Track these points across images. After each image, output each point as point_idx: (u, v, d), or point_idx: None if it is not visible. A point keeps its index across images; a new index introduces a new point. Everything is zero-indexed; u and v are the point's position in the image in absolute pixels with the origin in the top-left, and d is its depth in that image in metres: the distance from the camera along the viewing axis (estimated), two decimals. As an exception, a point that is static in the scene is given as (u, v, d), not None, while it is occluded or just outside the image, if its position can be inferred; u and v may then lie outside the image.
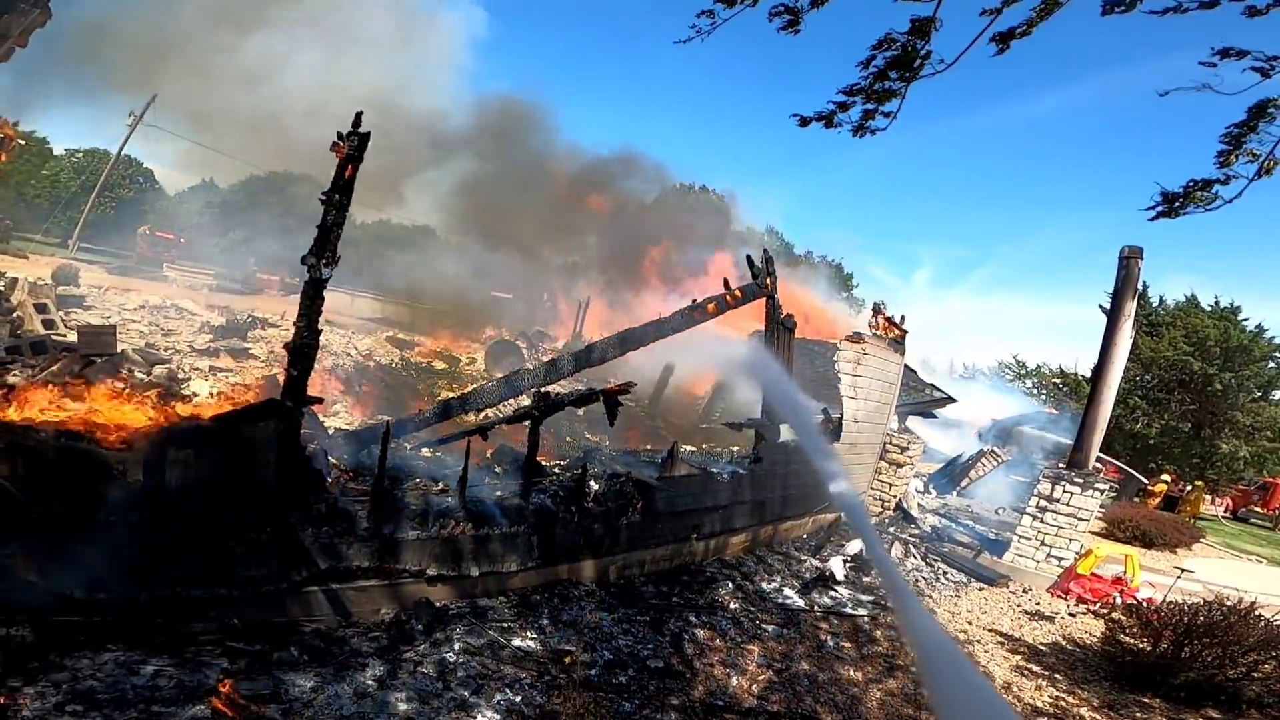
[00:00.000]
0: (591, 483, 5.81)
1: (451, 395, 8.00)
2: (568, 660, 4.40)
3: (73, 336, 6.87)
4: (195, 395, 6.65)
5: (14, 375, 5.76)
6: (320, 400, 4.24)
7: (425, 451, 6.17)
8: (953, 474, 15.49)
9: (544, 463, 6.55)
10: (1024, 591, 8.14)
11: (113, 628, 3.43)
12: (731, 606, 5.95)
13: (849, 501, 7.71)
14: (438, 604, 4.61)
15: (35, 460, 3.17)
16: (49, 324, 8.01)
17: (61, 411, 4.93)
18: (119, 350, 6.81)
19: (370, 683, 3.71)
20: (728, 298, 6.75)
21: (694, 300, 6.69)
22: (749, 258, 7.26)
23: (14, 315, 7.44)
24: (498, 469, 6.37)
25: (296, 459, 3.95)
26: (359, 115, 3.99)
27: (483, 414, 7.35)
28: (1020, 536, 8.87)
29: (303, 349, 3.99)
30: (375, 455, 4.85)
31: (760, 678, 4.83)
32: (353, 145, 3.94)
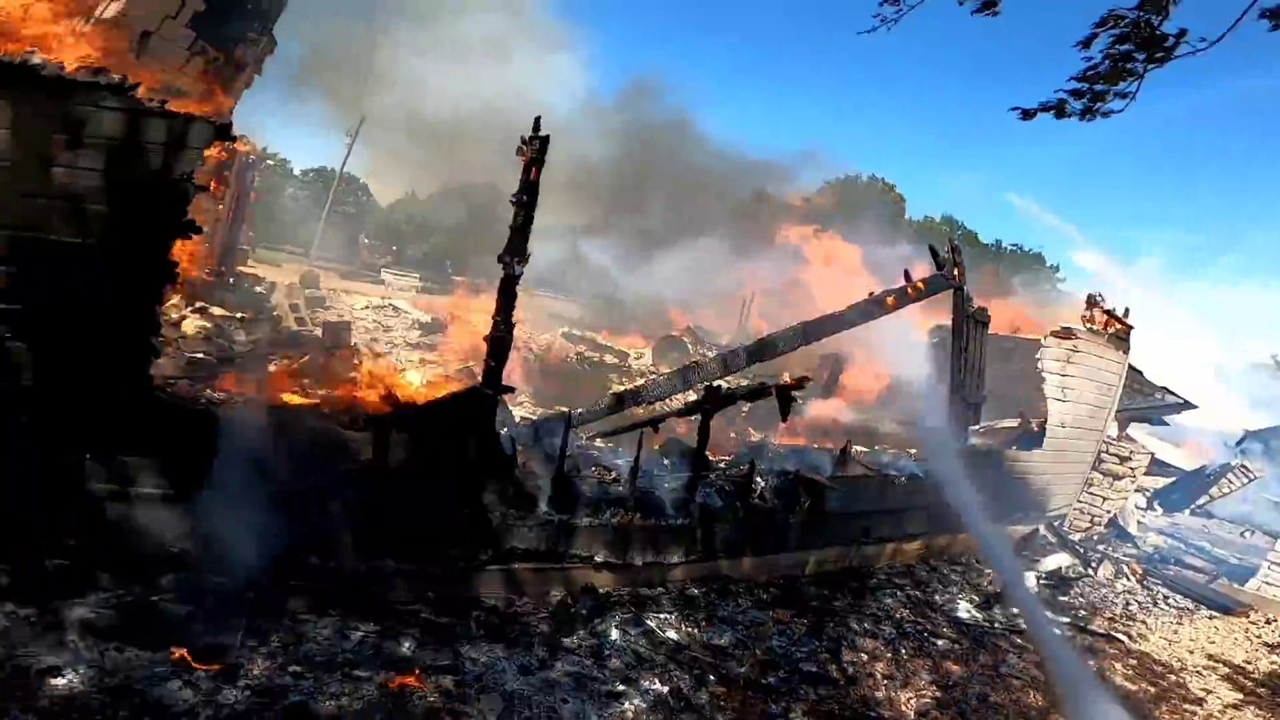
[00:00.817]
0: (758, 479, 5.77)
1: (623, 388, 8.33)
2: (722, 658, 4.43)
3: (319, 332, 8.20)
4: (410, 384, 7.60)
5: (273, 364, 6.98)
6: (513, 389, 4.65)
7: (600, 442, 6.49)
8: (1190, 490, 13.28)
9: (711, 457, 6.60)
10: (1267, 622, 6.97)
11: (334, 594, 3.96)
12: (899, 616, 5.62)
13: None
14: (601, 590, 4.85)
15: (294, 438, 3.80)
16: (300, 321, 9.53)
17: (309, 397, 5.91)
18: (353, 344, 7.98)
19: (533, 662, 3.96)
20: (909, 290, 6.35)
21: (871, 293, 6.37)
22: (932, 248, 6.76)
23: (274, 313, 8.97)
24: (666, 460, 6.52)
25: (492, 444, 4.37)
26: (538, 120, 4.26)
27: (652, 407, 7.54)
28: (1273, 563, 7.60)
29: (500, 341, 4.39)
30: (554, 444, 5.25)
31: (925, 694, 4.52)
32: (535, 149, 4.24)
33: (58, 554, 3.40)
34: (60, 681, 2.94)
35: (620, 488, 5.18)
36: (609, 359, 15.77)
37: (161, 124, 3.32)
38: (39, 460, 3.33)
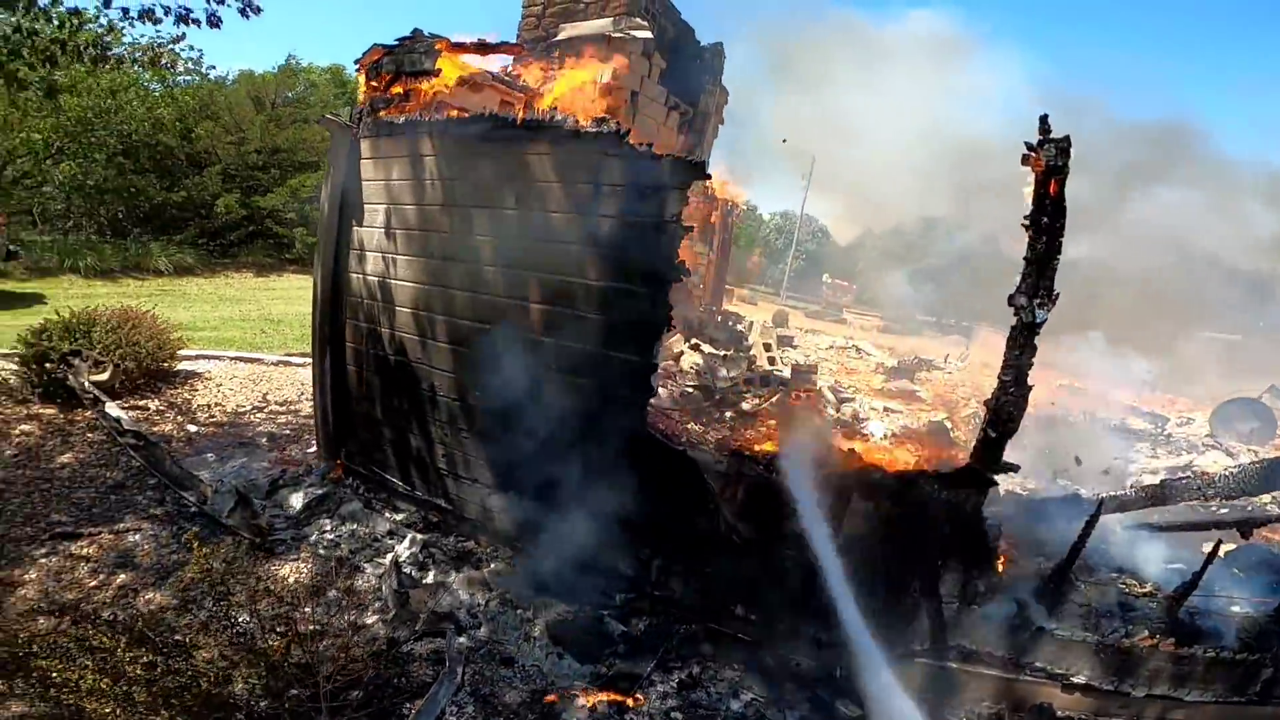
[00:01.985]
0: None
1: (1163, 479, 6.10)
2: None
3: (787, 372, 8.46)
4: (871, 436, 7.12)
5: (746, 402, 7.35)
6: (1018, 468, 3.68)
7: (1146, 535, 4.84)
8: None
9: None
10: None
11: (752, 650, 3.74)
12: None
13: None
14: (1061, 713, 3.55)
15: (747, 488, 3.69)
16: (771, 360, 10.00)
17: (770, 441, 5.96)
18: (818, 387, 7.92)
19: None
20: None
21: None
22: None
23: (750, 352, 9.61)
24: (1236, 571, 4.52)
25: (976, 532, 3.50)
26: (1044, 119, 3.25)
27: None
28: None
29: (1006, 408, 3.47)
30: (1055, 531, 4.04)
31: None
32: (1050, 155, 3.23)
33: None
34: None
35: (1153, 603, 3.68)
36: (1136, 423, 12.00)
37: (651, 166, 3.61)
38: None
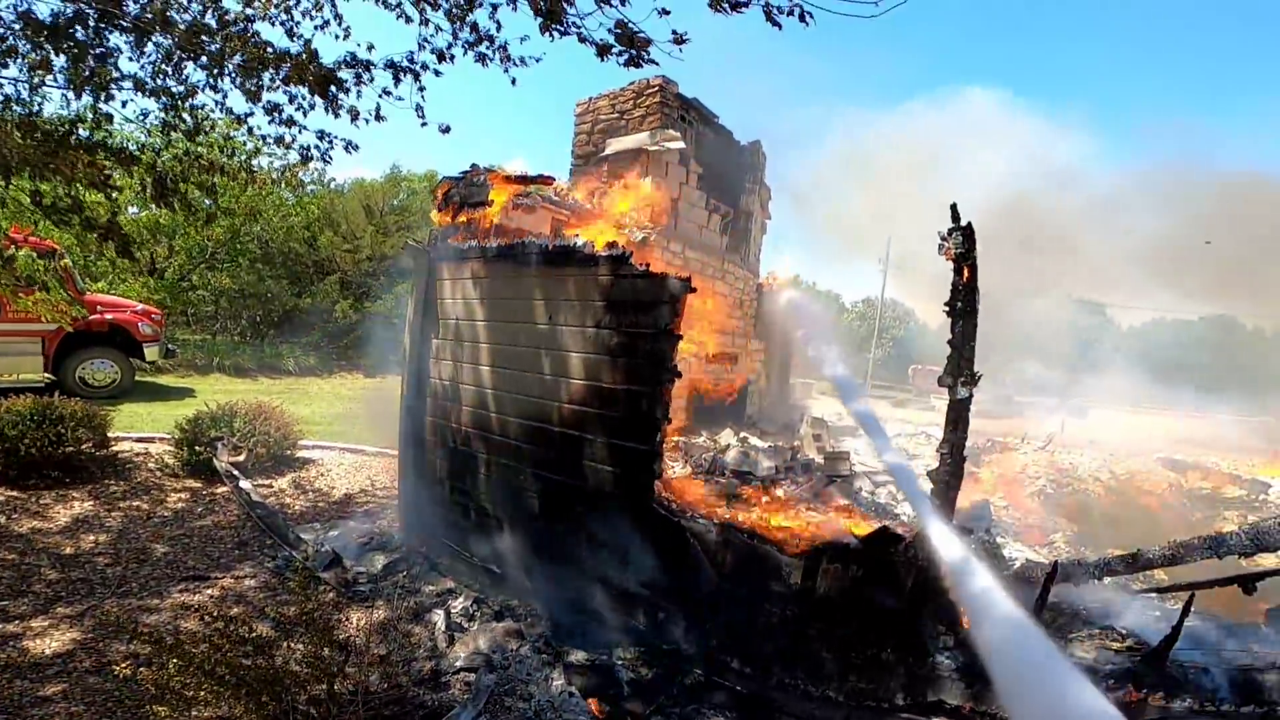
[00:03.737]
0: None
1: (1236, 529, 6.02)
2: None
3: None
4: (904, 516, 7.35)
5: (781, 488, 7.81)
6: (969, 531, 4.10)
7: (1153, 597, 4.95)
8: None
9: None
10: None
11: (744, 700, 4.16)
12: None
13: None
14: None
15: (735, 553, 4.29)
16: (821, 449, 10.36)
17: (796, 519, 6.42)
18: (850, 471, 8.26)
19: None
20: None
21: None
22: None
23: (796, 440, 10.04)
24: (1263, 625, 4.53)
25: (934, 587, 3.92)
26: (954, 207, 3.85)
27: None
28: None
29: (944, 475, 4.04)
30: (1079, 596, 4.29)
31: None
32: (957, 243, 3.83)
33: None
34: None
35: (1135, 657, 3.87)
36: (1231, 491, 11.49)
37: (648, 285, 4.46)
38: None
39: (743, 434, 10.18)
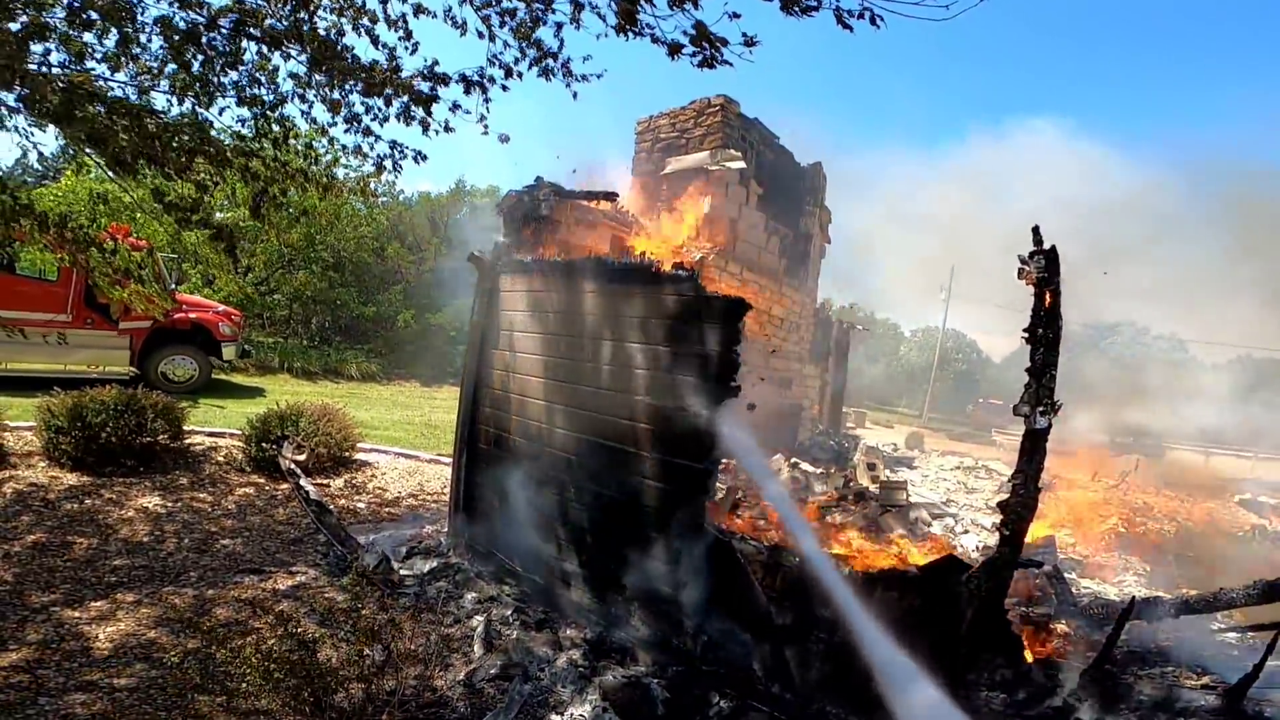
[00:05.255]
0: None
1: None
2: None
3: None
4: (960, 547, 7.02)
5: (835, 515, 7.57)
6: (1039, 564, 3.85)
7: (1233, 637, 4.58)
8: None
9: None
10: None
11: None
12: None
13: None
14: None
15: (785, 577, 4.14)
16: (874, 479, 10.03)
17: (848, 548, 6.20)
18: (906, 502, 7.95)
19: None
20: None
21: None
22: None
23: (849, 469, 9.75)
24: None
25: (995, 618, 3.69)
26: (1036, 230, 3.66)
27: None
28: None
29: (1016, 506, 3.79)
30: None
31: None
32: (1039, 267, 3.63)
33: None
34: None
35: (1211, 696, 3.54)
36: None
37: (707, 305, 4.41)
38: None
39: (794, 459, 9.96)
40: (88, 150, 4.57)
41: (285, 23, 4.48)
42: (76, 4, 4.03)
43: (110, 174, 5.01)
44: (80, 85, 4.19)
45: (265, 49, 4.64)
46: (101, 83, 4.63)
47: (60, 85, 4.01)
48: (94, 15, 4.05)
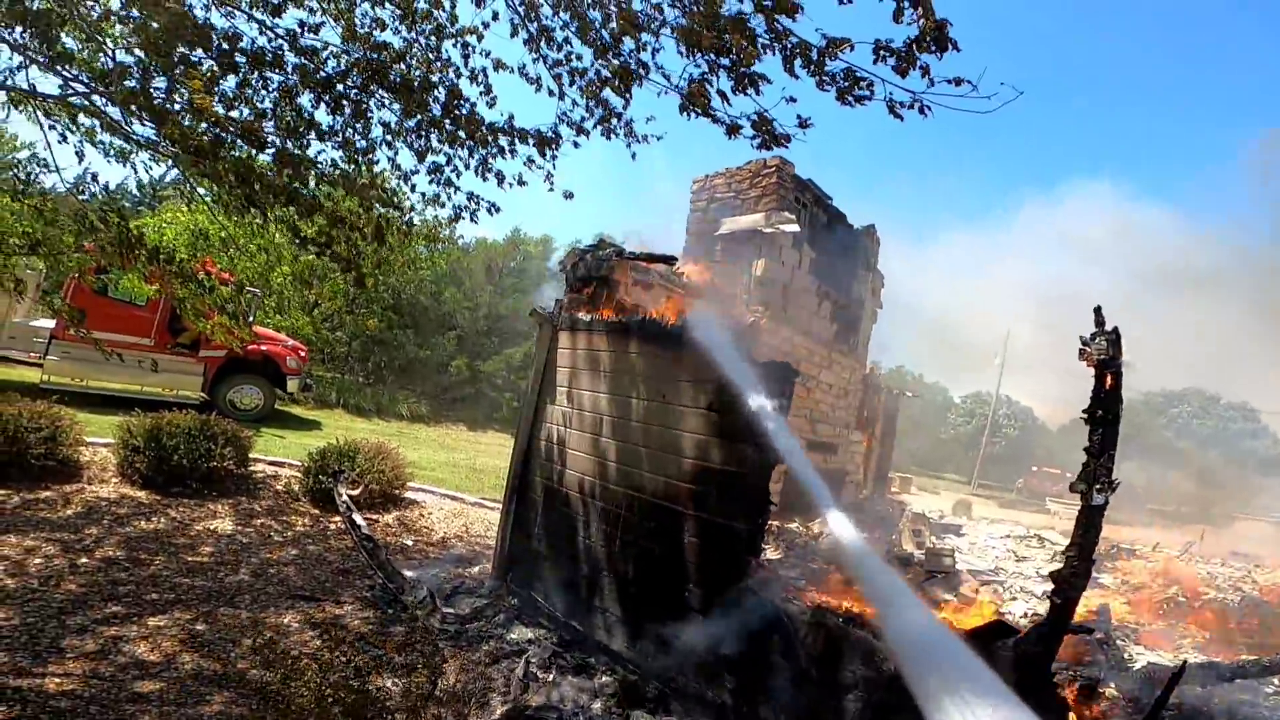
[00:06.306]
0: None
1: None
2: None
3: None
4: (1008, 614, 6.78)
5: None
6: (1089, 630, 3.74)
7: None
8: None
9: None
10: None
11: None
12: None
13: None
14: None
15: (827, 636, 4.13)
16: (920, 545, 9.80)
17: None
18: (954, 569, 7.74)
19: None
20: None
21: None
22: None
23: (894, 535, 9.55)
24: None
25: (1042, 681, 3.61)
26: (1098, 310, 3.64)
27: None
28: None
29: (1069, 576, 3.73)
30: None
31: None
32: (1101, 349, 3.62)
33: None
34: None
35: None
36: None
37: (757, 370, 4.54)
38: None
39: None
40: (219, 187, 4.79)
41: (402, 76, 4.86)
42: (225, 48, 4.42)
43: (235, 213, 5.36)
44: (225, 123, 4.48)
45: (384, 96, 5.01)
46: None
47: (211, 126, 4.31)
48: (240, 60, 4.46)
